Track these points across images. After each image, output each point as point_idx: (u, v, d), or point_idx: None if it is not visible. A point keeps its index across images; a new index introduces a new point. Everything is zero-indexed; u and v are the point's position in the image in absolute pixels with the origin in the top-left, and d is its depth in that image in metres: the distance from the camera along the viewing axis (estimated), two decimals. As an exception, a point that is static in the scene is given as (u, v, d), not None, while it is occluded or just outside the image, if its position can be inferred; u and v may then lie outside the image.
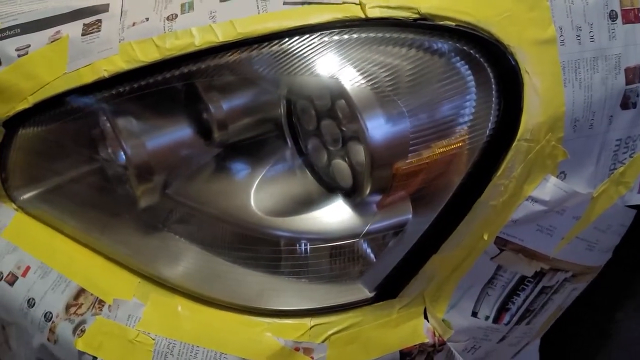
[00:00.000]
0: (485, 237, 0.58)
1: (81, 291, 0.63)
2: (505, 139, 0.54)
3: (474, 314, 0.64)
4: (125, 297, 0.61)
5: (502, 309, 0.66)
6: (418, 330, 0.61)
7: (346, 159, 0.57)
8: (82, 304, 0.62)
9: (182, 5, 0.56)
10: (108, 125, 0.59)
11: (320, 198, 0.60)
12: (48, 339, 0.62)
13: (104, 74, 0.56)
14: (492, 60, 0.53)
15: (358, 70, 0.52)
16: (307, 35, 0.52)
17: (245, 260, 0.61)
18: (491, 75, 0.53)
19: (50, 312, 0.62)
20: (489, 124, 0.53)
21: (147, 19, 0.57)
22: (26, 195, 0.68)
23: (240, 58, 0.53)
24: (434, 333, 0.61)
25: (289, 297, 0.59)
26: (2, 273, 0.65)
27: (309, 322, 0.58)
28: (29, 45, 0.59)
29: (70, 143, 0.66)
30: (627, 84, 0.58)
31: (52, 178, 0.69)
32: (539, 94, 0.53)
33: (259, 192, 0.60)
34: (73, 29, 0.58)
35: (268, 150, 0.63)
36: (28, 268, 0.65)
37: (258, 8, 0.54)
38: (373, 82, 0.51)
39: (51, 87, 0.58)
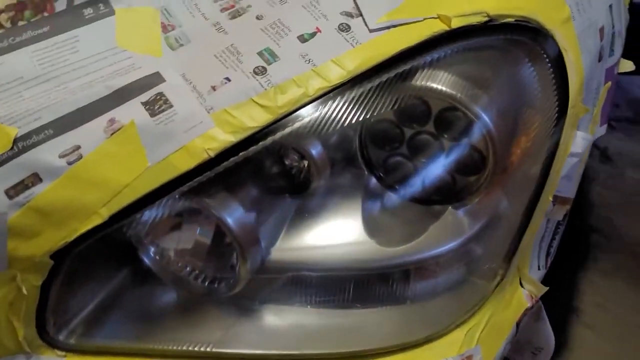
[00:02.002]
0: (550, 199, 0.66)
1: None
2: (562, 111, 0.62)
3: (539, 267, 0.72)
4: None
5: (547, 255, 0.75)
6: (521, 299, 0.67)
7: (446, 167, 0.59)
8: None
9: (261, 55, 0.50)
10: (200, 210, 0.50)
11: (419, 215, 0.60)
12: None
13: (208, 154, 0.47)
14: (543, 45, 0.59)
15: (461, 78, 0.53)
16: (414, 56, 0.52)
17: (370, 300, 0.59)
18: (546, 59, 0.59)
19: None
20: (555, 100, 0.60)
21: (229, 79, 0.49)
22: (69, 334, 0.54)
23: (354, 95, 0.50)
24: (531, 296, 0.68)
25: (432, 320, 0.59)
26: None
27: (461, 332, 0.59)
28: (79, 147, 0.46)
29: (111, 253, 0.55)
30: (600, 41, 0.71)
31: (95, 300, 0.55)
32: (573, 65, 0.62)
33: (369, 230, 0.58)
34: (132, 112, 0.47)
35: (347, 187, 0.60)
36: None
37: (348, 41, 0.51)
38: (473, 84, 0.54)
39: (132, 189, 0.47)
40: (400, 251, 0.57)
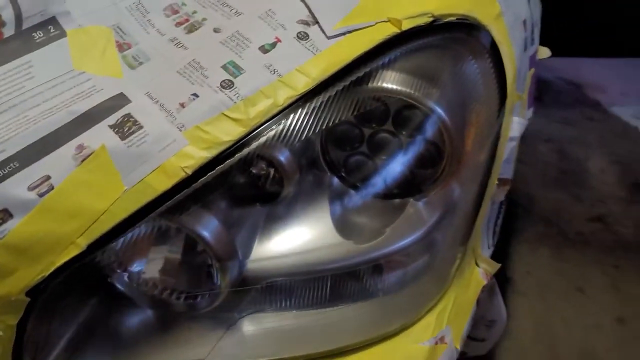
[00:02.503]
0: (496, 182, 0.71)
1: None
2: (502, 99, 0.66)
3: (488, 246, 0.77)
4: None
5: (494, 234, 0.81)
6: (478, 278, 0.71)
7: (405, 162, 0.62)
8: None
9: (226, 68, 0.50)
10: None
11: (383, 211, 0.63)
12: None
13: (185, 172, 0.47)
14: (482, 40, 0.64)
15: (414, 76, 0.56)
16: (371, 60, 0.54)
17: (345, 298, 0.61)
18: (485, 53, 0.64)
19: None
20: (496, 90, 0.65)
21: (196, 95, 0.49)
22: None
23: (321, 101, 0.52)
24: (486, 274, 0.73)
25: (405, 308, 0.62)
26: None
27: (432, 317, 0.62)
28: (49, 177, 0.44)
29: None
30: (524, 32, 0.77)
31: (70, 332, 0.54)
32: (507, 57, 0.67)
33: (338, 230, 0.60)
34: (101, 137, 0.46)
35: (312, 190, 0.62)
36: None
37: (309, 49, 0.53)
38: (426, 82, 0.57)
39: (110, 214, 0.46)
40: (369, 247, 0.60)
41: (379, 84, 0.55)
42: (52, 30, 0.49)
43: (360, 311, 0.61)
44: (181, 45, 0.52)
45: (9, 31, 0.48)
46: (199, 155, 0.47)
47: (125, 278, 0.55)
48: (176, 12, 0.55)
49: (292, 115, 0.51)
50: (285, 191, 0.56)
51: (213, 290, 0.55)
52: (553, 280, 1.53)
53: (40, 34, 0.49)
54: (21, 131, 0.45)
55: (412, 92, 0.55)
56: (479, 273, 0.71)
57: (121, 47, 0.51)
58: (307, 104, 0.51)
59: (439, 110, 0.56)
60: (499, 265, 0.73)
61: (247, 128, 0.49)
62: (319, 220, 0.60)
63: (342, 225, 0.60)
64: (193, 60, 0.51)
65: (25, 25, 0.48)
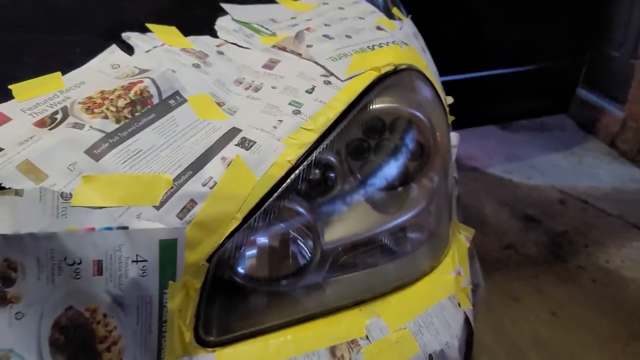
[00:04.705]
0: (455, 175, 1.03)
1: (332, 348, 0.74)
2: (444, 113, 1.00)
3: (458, 219, 1.07)
4: (361, 327, 0.77)
5: (457, 211, 1.11)
6: (463, 241, 1.00)
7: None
8: (343, 354, 0.74)
9: (291, 104, 0.79)
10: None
11: (389, 198, 0.90)
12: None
13: (290, 163, 0.73)
14: (422, 73, 0.98)
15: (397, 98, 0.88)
16: (371, 90, 0.85)
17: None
18: (428, 83, 0.97)
19: None
20: (442, 109, 0.98)
21: (281, 120, 0.76)
22: (211, 332, 0.71)
23: (350, 117, 0.81)
24: (467, 238, 1.01)
25: (428, 257, 0.89)
26: None
27: (447, 260, 0.89)
28: (212, 177, 0.68)
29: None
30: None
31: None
32: (437, 88, 1.02)
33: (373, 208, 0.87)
34: (233, 151, 0.71)
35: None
36: None
37: (334, 88, 0.83)
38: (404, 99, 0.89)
39: (252, 196, 0.70)
40: (394, 217, 0.86)
41: (377, 106, 0.85)
42: (178, 99, 0.75)
43: (396, 266, 0.86)
44: (255, 98, 0.80)
45: (155, 100, 0.73)
46: (295, 153, 0.73)
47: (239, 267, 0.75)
48: (241, 83, 0.83)
49: (334, 132, 0.79)
50: (339, 187, 0.82)
51: (308, 261, 0.78)
52: (492, 296, 1.84)
53: (173, 101, 0.74)
54: (185, 155, 0.69)
55: (399, 106, 0.86)
56: (462, 238, 1.00)
57: (219, 104, 0.78)
58: (342, 123, 0.80)
59: (419, 115, 0.87)
60: (473, 231, 1.02)
61: (318, 134, 0.76)
62: (359, 205, 0.86)
63: (374, 207, 0.87)
64: (268, 104, 0.79)
65: (163, 97, 0.74)
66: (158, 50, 0.81)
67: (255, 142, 0.72)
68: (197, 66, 0.81)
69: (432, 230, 0.92)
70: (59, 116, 0.68)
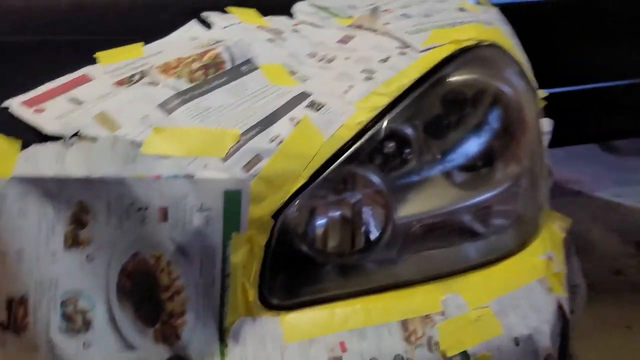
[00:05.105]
0: (545, 159, 0.95)
1: (404, 322, 0.69)
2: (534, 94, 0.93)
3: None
4: (437, 302, 0.71)
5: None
6: (556, 231, 0.91)
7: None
8: (415, 328, 0.69)
9: (363, 72, 0.77)
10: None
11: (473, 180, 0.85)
12: (411, 378, 0.66)
13: (359, 125, 0.71)
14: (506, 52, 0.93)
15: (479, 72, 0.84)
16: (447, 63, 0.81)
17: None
18: (513, 62, 0.92)
19: (398, 354, 0.66)
20: (529, 86, 0.92)
21: (352, 86, 0.75)
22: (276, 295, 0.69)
23: (425, 87, 0.78)
24: (561, 228, 0.93)
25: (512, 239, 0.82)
26: None
27: (537, 243, 0.82)
28: (279, 135, 0.67)
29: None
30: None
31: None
32: (526, 70, 0.96)
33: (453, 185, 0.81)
34: (302, 112, 0.70)
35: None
36: (342, 344, 0.67)
37: (410, 59, 0.80)
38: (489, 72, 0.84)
39: (319, 155, 0.68)
40: (470, 196, 0.81)
41: (457, 78, 0.81)
42: (251, 66, 0.76)
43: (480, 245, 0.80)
44: (327, 68, 0.79)
45: (228, 66, 0.74)
46: (365, 115, 0.71)
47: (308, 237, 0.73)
48: (314, 56, 0.82)
49: (407, 98, 0.76)
50: (413, 161, 0.78)
51: (379, 235, 0.74)
52: (603, 323, 1.67)
53: (245, 67, 0.75)
54: (255, 113, 0.69)
55: (481, 77, 0.82)
56: (556, 227, 0.91)
57: (292, 74, 0.78)
58: (416, 90, 0.77)
59: (504, 88, 0.82)
60: (570, 220, 0.93)
61: (389, 98, 0.74)
62: (437, 181, 0.81)
63: (453, 184, 0.82)
64: (339, 73, 0.78)
65: (236, 63, 0.75)
66: (235, 27, 0.83)
67: (324, 105, 0.71)
68: (271, 40, 0.82)
69: (519, 214, 0.85)
70: (136, 77, 0.71)
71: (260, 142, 0.66)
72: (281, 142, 0.67)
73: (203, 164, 0.63)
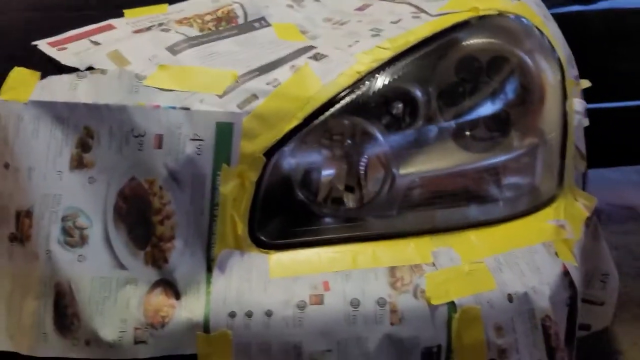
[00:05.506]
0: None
1: (392, 269, 0.68)
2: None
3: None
4: (428, 253, 0.70)
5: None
6: (580, 210, 0.86)
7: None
8: (403, 276, 0.68)
9: (372, 30, 0.79)
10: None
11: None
12: (392, 323, 0.65)
13: (358, 74, 0.72)
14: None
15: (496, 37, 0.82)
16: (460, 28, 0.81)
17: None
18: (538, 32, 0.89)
19: (382, 297, 0.66)
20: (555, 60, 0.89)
21: (358, 41, 0.77)
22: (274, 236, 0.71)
23: (433, 47, 0.78)
24: (586, 207, 0.88)
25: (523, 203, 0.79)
26: (304, 301, 0.65)
27: (549, 210, 0.78)
28: (277, 79, 0.70)
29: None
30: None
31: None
32: (553, 41, 0.93)
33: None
34: (304, 61, 0.73)
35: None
36: (326, 283, 0.67)
37: (421, 20, 0.81)
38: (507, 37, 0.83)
39: (315, 99, 0.70)
40: (478, 158, 0.79)
41: (471, 41, 0.81)
42: (263, 23, 0.80)
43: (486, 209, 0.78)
44: (338, 29, 0.82)
45: (240, 21, 0.79)
46: (367, 66, 0.73)
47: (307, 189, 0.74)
48: (329, 20, 0.85)
49: (412, 55, 0.76)
50: (419, 121, 0.78)
51: (377, 191, 0.74)
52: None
53: (257, 24, 0.79)
54: (256, 60, 0.72)
55: (497, 42, 0.81)
56: (580, 205, 0.87)
57: (303, 33, 0.81)
58: (424, 48, 0.77)
59: (522, 55, 0.81)
60: (596, 199, 0.88)
61: (393, 52, 0.75)
62: (444, 143, 0.80)
63: (462, 147, 0.80)
64: (349, 32, 0.80)
65: (249, 19, 0.79)
66: (256, -7, 0.88)
67: (327, 56, 0.74)
68: (290, 6, 0.86)
69: (533, 185, 0.82)
70: (154, 27, 0.76)
71: (257, 83, 0.69)
72: (278, 84, 0.69)
73: (200, 98, 0.67)
